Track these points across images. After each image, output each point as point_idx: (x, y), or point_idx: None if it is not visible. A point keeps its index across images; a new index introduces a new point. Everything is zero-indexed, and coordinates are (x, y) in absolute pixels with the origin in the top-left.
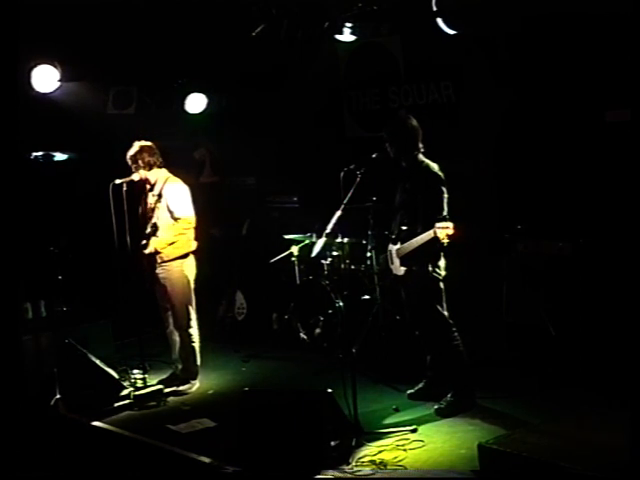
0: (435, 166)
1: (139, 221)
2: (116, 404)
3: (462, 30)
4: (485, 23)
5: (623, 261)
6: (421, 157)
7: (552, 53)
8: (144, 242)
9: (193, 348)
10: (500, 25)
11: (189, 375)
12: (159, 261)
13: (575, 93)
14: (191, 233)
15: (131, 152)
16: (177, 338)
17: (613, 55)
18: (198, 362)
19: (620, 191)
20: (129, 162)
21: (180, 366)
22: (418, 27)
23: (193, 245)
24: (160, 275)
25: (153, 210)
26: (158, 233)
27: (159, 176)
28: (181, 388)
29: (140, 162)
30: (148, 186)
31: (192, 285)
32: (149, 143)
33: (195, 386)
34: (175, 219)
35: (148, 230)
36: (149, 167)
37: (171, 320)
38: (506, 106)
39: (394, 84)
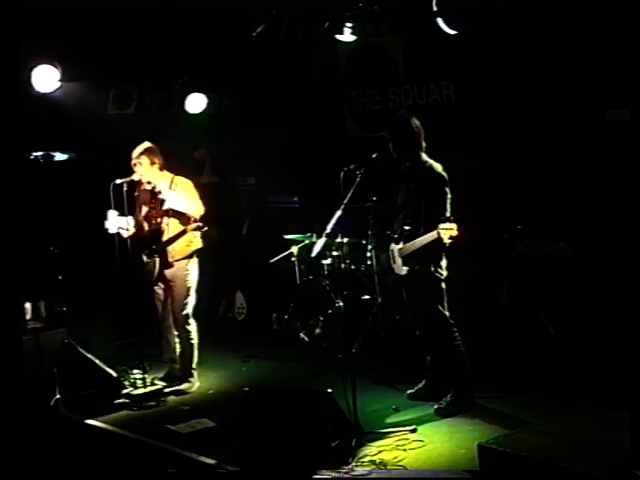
0: (439, 166)
1: (149, 222)
2: (116, 402)
3: (462, 30)
4: (485, 23)
5: (623, 261)
6: (424, 157)
7: (553, 53)
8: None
9: (191, 345)
10: (500, 25)
11: (187, 373)
12: (170, 259)
13: (575, 93)
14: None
15: (141, 149)
16: (173, 337)
17: (613, 55)
18: (195, 360)
19: (620, 191)
20: (140, 158)
21: (177, 366)
22: (418, 27)
23: (200, 242)
24: (168, 273)
25: (166, 211)
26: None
27: (167, 177)
28: (181, 387)
29: (150, 161)
30: (156, 189)
31: (194, 286)
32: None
33: (195, 385)
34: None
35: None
36: (158, 169)
37: (170, 318)
38: (506, 106)
39: (394, 84)
